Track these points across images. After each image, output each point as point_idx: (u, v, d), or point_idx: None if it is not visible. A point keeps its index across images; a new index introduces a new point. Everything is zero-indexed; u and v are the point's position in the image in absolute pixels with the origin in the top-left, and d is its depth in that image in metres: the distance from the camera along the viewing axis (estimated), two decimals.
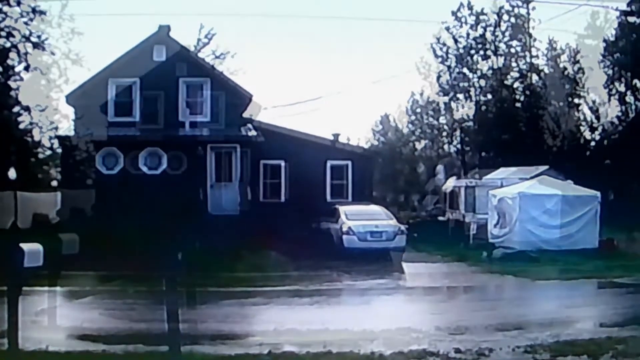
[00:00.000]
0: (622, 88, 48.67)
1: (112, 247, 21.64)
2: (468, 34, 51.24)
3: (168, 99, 31.40)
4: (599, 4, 46.43)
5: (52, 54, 30.29)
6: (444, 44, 51.96)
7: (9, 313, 9.95)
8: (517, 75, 51.51)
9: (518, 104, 50.81)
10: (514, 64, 51.66)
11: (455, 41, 51.48)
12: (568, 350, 11.95)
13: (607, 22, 50.02)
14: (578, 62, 51.61)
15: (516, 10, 50.57)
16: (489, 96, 51.75)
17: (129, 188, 28.70)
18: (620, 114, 49.59)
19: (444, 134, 58.84)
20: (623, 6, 43.86)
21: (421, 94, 61.44)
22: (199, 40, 43.06)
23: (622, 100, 48.92)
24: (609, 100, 50.03)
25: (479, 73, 51.57)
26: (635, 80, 47.55)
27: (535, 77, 51.41)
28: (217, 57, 42.78)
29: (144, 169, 30.27)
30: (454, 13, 51.07)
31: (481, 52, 51.30)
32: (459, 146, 55.96)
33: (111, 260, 20.22)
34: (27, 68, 30.37)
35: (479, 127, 51.69)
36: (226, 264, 22.47)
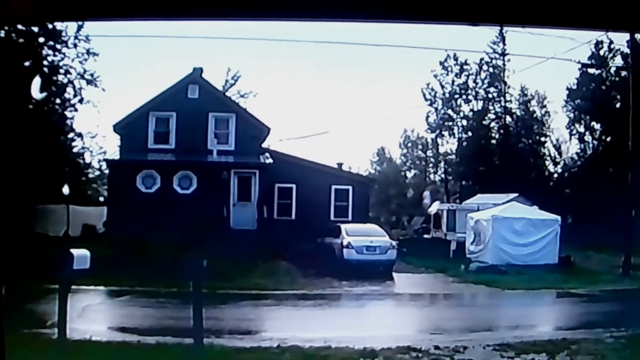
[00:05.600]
0: (581, 129, 48.69)
1: (148, 254, 21.66)
2: (453, 81, 51.19)
3: (199, 130, 31.46)
4: (566, 57, 45.56)
5: (103, 90, 30.58)
6: (432, 89, 51.90)
7: (59, 307, 9.98)
8: (493, 116, 51.48)
9: (493, 141, 50.78)
10: (490, 107, 51.62)
11: (442, 87, 51.46)
12: (530, 349, 11.98)
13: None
14: (545, 106, 51.61)
15: (494, 61, 50.57)
16: (470, 134, 51.66)
17: (164, 205, 28.78)
18: (579, 151, 49.56)
19: (430, 165, 58.76)
20: (584, 60, 43.86)
21: (412, 131, 61.36)
22: (226, 81, 43.54)
23: (581, 139, 48.95)
24: (570, 139, 50.01)
25: (461, 114, 51.50)
26: (593, 123, 47.58)
27: (508, 119, 51.41)
28: (241, 96, 43.18)
29: (178, 189, 30.31)
30: (441, 63, 51.05)
31: (464, 97, 51.24)
32: (442, 176, 55.86)
33: (147, 265, 20.24)
34: (81, 101, 30.62)
35: (460, 160, 51.55)
36: (244, 271, 22.49)
